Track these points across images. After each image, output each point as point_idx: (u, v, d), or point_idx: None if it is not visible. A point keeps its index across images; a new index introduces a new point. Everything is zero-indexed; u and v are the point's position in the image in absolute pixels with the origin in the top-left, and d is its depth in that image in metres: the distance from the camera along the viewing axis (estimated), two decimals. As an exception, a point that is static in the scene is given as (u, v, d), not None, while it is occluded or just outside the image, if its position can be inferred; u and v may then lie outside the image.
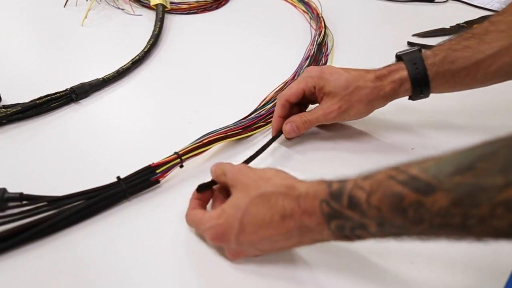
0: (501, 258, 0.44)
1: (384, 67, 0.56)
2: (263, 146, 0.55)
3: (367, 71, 0.56)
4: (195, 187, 0.48)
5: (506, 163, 0.29)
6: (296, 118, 0.56)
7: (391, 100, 0.56)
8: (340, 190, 0.37)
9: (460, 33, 0.55)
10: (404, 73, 0.54)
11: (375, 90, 0.54)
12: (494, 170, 0.29)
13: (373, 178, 0.36)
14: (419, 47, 0.55)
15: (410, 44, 0.79)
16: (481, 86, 0.55)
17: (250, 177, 0.43)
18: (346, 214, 0.36)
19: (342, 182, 0.38)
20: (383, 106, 0.57)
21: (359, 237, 0.38)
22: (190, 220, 0.46)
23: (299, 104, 0.59)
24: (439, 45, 0.55)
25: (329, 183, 0.39)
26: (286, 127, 0.56)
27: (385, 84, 0.54)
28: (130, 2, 0.90)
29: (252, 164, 0.52)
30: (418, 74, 0.53)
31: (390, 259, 0.44)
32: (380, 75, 0.55)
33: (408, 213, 0.33)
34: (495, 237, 0.31)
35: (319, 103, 0.57)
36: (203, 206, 0.47)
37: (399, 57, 0.56)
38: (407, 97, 0.56)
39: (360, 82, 0.54)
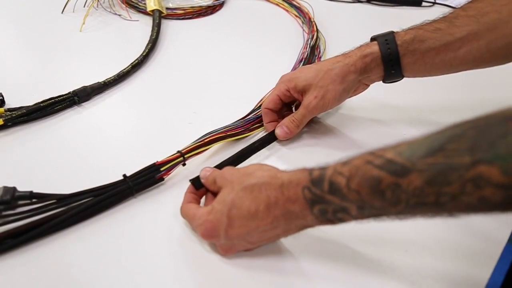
0: (489, 245, 0.47)
1: (355, 48, 0.58)
2: (254, 148, 0.57)
3: (336, 56, 0.58)
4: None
5: (473, 143, 0.31)
6: (285, 120, 0.59)
7: (365, 76, 0.57)
8: (321, 177, 0.39)
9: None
10: (375, 47, 0.56)
11: (345, 67, 0.56)
12: (462, 150, 0.32)
13: (351, 164, 0.38)
14: (391, 31, 0.57)
15: (399, 46, 0.82)
16: (452, 71, 0.57)
17: (234, 175, 0.45)
18: (327, 198, 0.39)
19: (322, 169, 0.40)
20: (357, 82, 0.58)
21: (341, 220, 0.40)
22: (184, 214, 0.48)
23: (289, 107, 0.62)
24: (411, 26, 0.57)
25: (310, 170, 0.41)
26: (277, 130, 0.59)
27: (355, 59, 0.56)
28: (127, 8, 0.92)
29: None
30: (388, 49, 0.55)
31: (384, 248, 0.46)
32: (349, 53, 0.57)
33: (386, 194, 0.35)
34: (466, 212, 0.33)
35: None
36: (197, 200, 0.49)
37: (373, 39, 0.58)
38: (382, 82, 0.58)
39: (329, 66, 0.57)
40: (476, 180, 0.31)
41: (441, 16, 0.57)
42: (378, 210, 0.37)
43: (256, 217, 0.42)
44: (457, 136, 0.33)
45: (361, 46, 0.58)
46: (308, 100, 0.57)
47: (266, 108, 0.60)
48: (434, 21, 0.56)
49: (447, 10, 0.97)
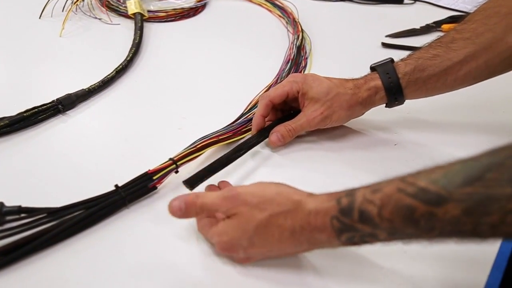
0: (486, 246, 0.47)
1: (361, 77, 0.59)
2: (245, 148, 0.56)
3: (346, 80, 0.59)
4: (189, 190, 0.50)
5: None
6: (281, 128, 0.58)
7: (368, 108, 0.59)
8: (350, 205, 0.38)
9: (428, 42, 0.58)
10: (378, 82, 0.57)
11: (354, 97, 0.57)
12: (503, 181, 0.31)
13: (382, 192, 0.37)
14: (391, 58, 0.59)
15: (384, 45, 0.82)
16: (452, 90, 0.59)
17: (250, 202, 0.42)
18: (357, 227, 0.38)
19: (351, 196, 0.39)
20: (360, 114, 0.60)
21: (366, 243, 0.39)
22: (200, 230, 0.46)
23: (277, 109, 0.61)
24: (409, 55, 0.58)
25: (338, 199, 0.40)
26: (272, 137, 0.58)
27: (362, 91, 0.57)
28: (107, 11, 0.90)
29: (234, 164, 0.55)
30: (391, 83, 0.57)
31: (383, 250, 0.46)
32: (358, 83, 0.58)
33: (420, 223, 0.35)
34: (502, 238, 0.34)
35: (302, 109, 0.59)
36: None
37: (373, 69, 0.59)
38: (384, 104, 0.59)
39: (341, 89, 0.57)
40: None
41: (435, 40, 0.58)
42: (409, 236, 0.37)
43: (280, 242, 0.41)
44: (496, 165, 0.32)
45: (366, 77, 0.58)
46: (313, 115, 0.57)
47: (270, 101, 0.58)
48: (430, 46, 0.57)
49: (428, 7, 0.99)
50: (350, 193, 0.39)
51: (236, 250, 0.43)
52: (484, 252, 0.46)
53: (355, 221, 0.38)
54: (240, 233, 0.42)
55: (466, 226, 0.33)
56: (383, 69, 0.57)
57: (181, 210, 0.43)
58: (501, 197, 0.31)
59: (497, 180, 0.31)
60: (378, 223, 0.37)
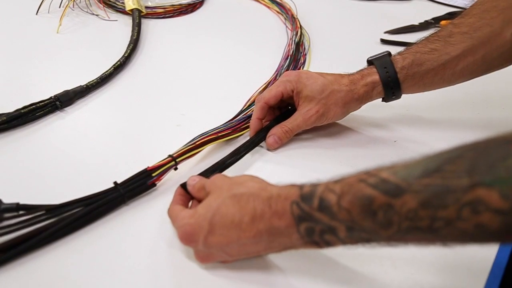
0: (481, 255, 0.46)
1: (357, 72, 0.58)
2: (243, 151, 0.56)
3: (342, 75, 0.58)
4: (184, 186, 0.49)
5: (472, 165, 0.30)
6: (277, 130, 0.58)
7: (365, 103, 0.59)
8: (311, 193, 0.38)
9: (426, 36, 0.58)
10: (375, 77, 0.56)
11: (350, 93, 0.57)
12: (460, 172, 0.30)
13: (344, 182, 0.37)
14: (388, 51, 0.58)
15: (383, 41, 0.82)
16: (449, 85, 0.59)
17: (225, 182, 0.44)
18: (316, 216, 0.37)
19: (314, 185, 0.39)
20: (357, 108, 0.59)
21: (328, 243, 0.38)
22: (170, 215, 0.46)
23: (274, 107, 0.61)
24: (407, 49, 0.58)
25: (301, 186, 0.40)
26: (269, 140, 0.58)
27: (358, 87, 0.57)
28: (104, 7, 0.90)
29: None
30: (388, 77, 0.56)
31: (371, 263, 0.45)
32: (354, 79, 0.57)
33: (377, 215, 0.34)
34: (461, 240, 0.32)
35: (297, 108, 0.59)
36: (186, 202, 0.48)
37: (370, 62, 0.59)
38: (381, 98, 0.59)
39: (335, 86, 0.57)
40: (474, 204, 0.29)
41: (433, 34, 0.58)
42: (368, 234, 0.35)
43: (239, 228, 0.40)
44: (455, 158, 0.31)
45: (362, 72, 0.58)
46: (308, 113, 0.57)
47: (266, 103, 0.58)
48: (428, 40, 0.57)
49: (427, 3, 0.99)
50: (315, 183, 0.39)
51: (197, 237, 0.41)
52: (481, 260, 0.45)
53: (314, 208, 0.37)
54: (205, 210, 0.41)
55: (422, 221, 0.32)
56: (381, 62, 0.57)
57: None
58: (457, 188, 0.30)
59: (454, 172, 0.31)
60: (335, 212, 0.36)
